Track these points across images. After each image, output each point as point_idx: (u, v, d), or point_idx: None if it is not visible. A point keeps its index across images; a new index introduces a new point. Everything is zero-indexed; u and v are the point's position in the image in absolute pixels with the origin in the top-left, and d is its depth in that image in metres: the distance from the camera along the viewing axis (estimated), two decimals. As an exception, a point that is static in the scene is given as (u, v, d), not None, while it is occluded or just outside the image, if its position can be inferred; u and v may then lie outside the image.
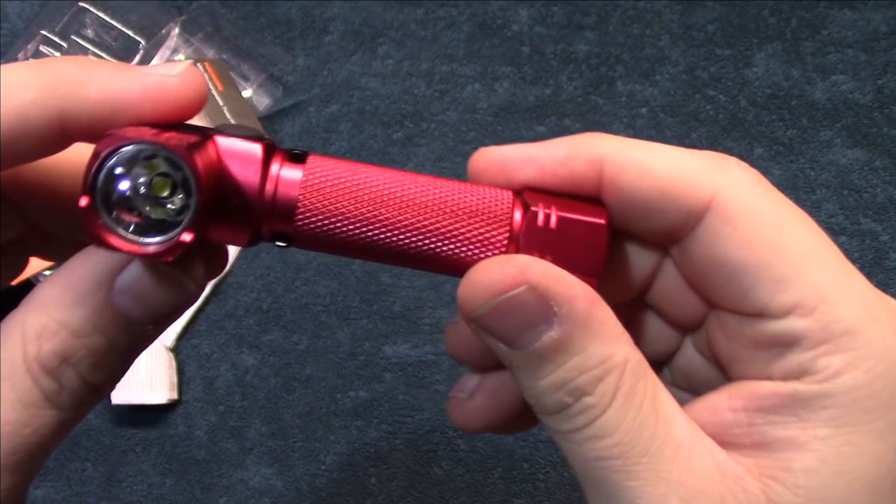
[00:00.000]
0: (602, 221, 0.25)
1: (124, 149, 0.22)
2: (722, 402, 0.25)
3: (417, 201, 0.25)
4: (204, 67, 0.66)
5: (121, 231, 0.22)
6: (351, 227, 0.25)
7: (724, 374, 0.27)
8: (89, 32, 0.68)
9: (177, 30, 0.68)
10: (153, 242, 0.22)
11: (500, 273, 0.24)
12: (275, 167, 0.25)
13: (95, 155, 0.21)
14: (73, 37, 0.67)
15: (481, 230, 0.25)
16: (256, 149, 0.25)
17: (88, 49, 0.67)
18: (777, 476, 0.23)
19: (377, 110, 0.68)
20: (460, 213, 0.25)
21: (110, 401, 0.57)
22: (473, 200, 0.25)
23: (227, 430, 0.58)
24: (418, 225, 0.25)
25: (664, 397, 0.24)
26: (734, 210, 0.25)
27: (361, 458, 0.58)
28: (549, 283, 0.23)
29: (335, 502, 0.57)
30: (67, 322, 0.23)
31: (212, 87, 0.65)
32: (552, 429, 0.25)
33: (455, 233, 0.25)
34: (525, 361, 0.24)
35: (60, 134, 0.23)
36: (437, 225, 0.25)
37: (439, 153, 0.67)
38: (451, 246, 0.25)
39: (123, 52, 0.67)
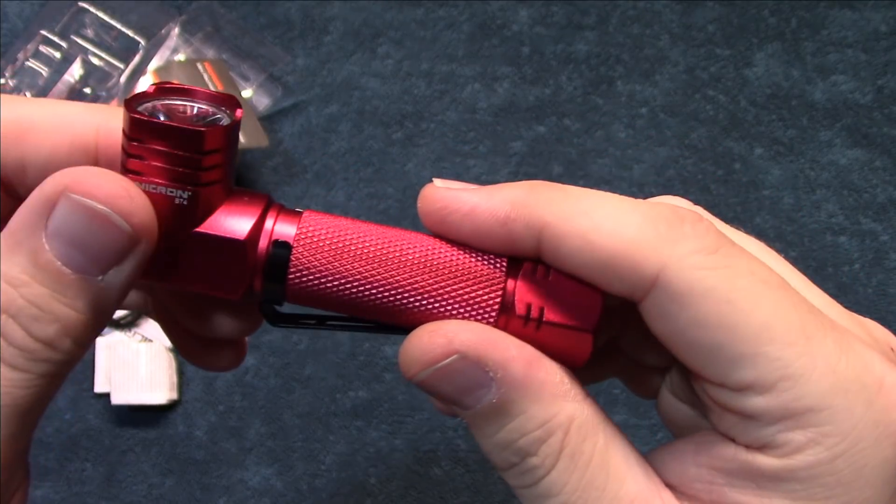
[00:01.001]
0: (589, 330, 0.25)
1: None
2: (688, 454, 0.25)
3: (412, 260, 0.25)
4: (204, 67, 0.66)
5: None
6: (344, 284, 0.25)
7: (701, 407, 0.27)
8: (89, 32, 0.68)
9: (177, 30, 0.68)
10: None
11: (430, 343, 0.24)
12: (269, 222, 0.25)
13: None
14: (72, 37, 0.67)
15: (472, 297, 0.25)
16: (257, 205, 0.25)
17: (88, 49, 0.67)
18: None
19: (377, 110, 0.68)
20: (450, 277, 0.25)
21: (110, 401, 0.57)
22: (466, 265, 0.25)
23: (226, 430, 0.58)
24: (412, 284, 0.25)
25: (618, 451, 0.24)
26: (681, 289, 0.23)
27: (361, 458, 0.58)
28: (481, 349, 0.23)
29: (335, 502, 0.57)
30: (6, 271, 0.22)
31: (212, 88, 0.65)
32: (507, 482, 0.25)
33: (448, 293, 0.25)
34: (472, 420, 0.24)
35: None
36: (432, 285, 0.25)
37: (439, 153, 0.67)
38: (442, 305, 0.25)
39: (123, 52, 0.67)
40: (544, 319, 0.25)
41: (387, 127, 0.68)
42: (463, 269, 0.25)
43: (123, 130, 0.24)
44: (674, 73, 0.70)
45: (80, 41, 0.67)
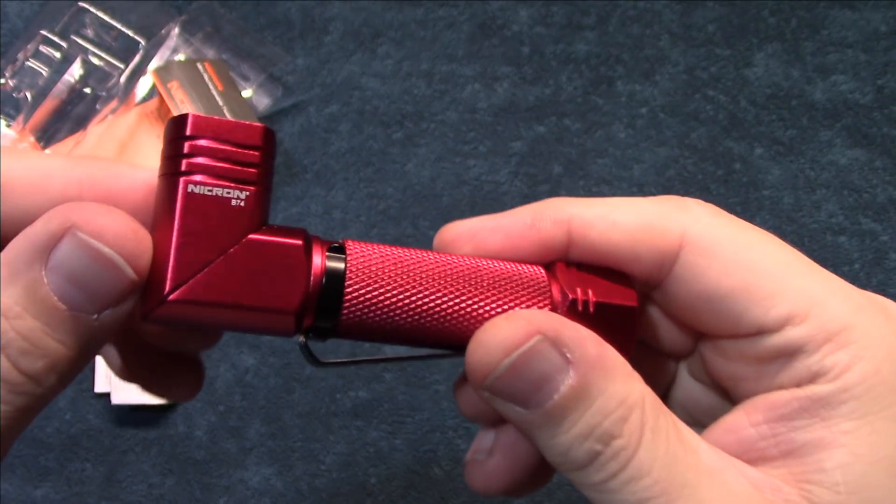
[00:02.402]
0: (634, 304, 0.26)
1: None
2: (741, 420, 0.25)
3: (462, 276, 0.25)
4: (204, 67, 0.66)
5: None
6: (399, 309, 0.25)
7: (729, 395, 0.27)
8: (89, 32, 0.68)
9: (177, 30, 0.68)
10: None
11: (512, 328, 0.23)
12: (316, 256, 0.24)
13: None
14: (72, 37, 0.67)
15: (523, 304, 0.25)
16: (297, 243, 0.24)
17: (88, 49, 0.67)
18: (813, 479, 0.23)
19: (377, 110, 0.68)
20: (501, 287, 0.25)
21: (110, 401, 0.57)
22: (510, 274, 0.26)
23: (226, 430, 0.58)
24: (465, 299, 0.25)
25: (684, 428, 0.24)
26: (707, 243, 0.25)
27: (361, 458, 0.58)
28: (558, 328, 0.23)
29: (335, 502, 0.57)
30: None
31: (212, 88, 0.65)
32: (584, 483, 0.24)
33: (498, 309, 0.25)
34: (546, 418, 0.23)
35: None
36: (484, 296, 0.25)
37: (439, 153, 0.67)
38: (497, 313, 0.25)
39: (123, 52, 0.67)
40: (592, 308, 0.25)
41: (387, 127, 0.68)
42: (508, 276, 0.26)
43: (171, 135, 0.23)
44: (674, 73, 0.70)
45: (80, 41, 0.67)
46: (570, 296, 0.25)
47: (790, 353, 0.24)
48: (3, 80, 0.65)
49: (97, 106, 0.66)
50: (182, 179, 0.23)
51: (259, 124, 0.24)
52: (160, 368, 0.30)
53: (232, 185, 0.23)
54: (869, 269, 0.64)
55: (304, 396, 0.59)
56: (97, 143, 0.64)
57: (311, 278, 0.24)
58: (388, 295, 0.25)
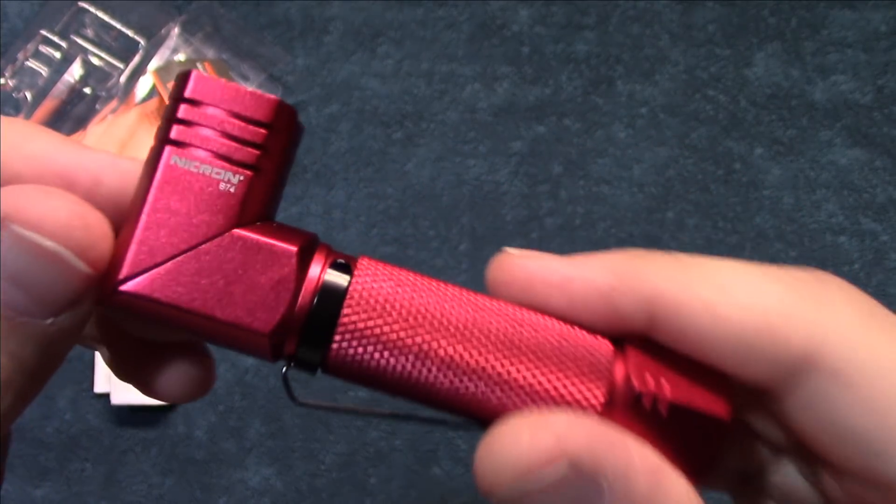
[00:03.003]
0: (723, 417, 0.20)
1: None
2: None
3: (495, 334, 0.20)
4: (204, 67, 0.66)
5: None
6: (406, 358, 0.20)
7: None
8: (89, 32, 0.68)
9: (177, 30, 0.68)
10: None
11: (533, 445, 0.17)
12: (315, 268, 0.20)
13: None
14: (72, 37, 0.67)
15: (569, 387, 0.20)
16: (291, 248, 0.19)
17: (88, 49, 0.67)
18: None
19: (377, 110, 0.68)
20: (545, 356, 0.20)
21: (110, 401, 0.57)
22: (563, 340, 0.20)
23: (226, 430, 0.58)
24: (493, 365, 0.20)
25: None
26: (847, 364, 0.18)
27: (361, 458, 0.58)
28: (600, 454, 0.17)
29: (335, 502, 0.57)
30: None
31: (212, 87, 0.65)
32: None
33: (535, 384, 0.20)
34: None
35: None
36: (518, 368, 0.20)
37: (439, 153, 0.67)
38: (531, 394, 0.20)
39: (123, 52, 0.67)
40: (662, 409, 0.19)
41: (387, 127, 0.68)
42: (559, 342, 0.20)
43: (172, 94, 0.20)
44: (674, 73, 0.70)
45: (80, 41, 0.67)
46: (637, 389, 0.19)
47: None
48: (3, 80, 0.65)
49: (97, 106, 0.66)
50: (167, 148, 0.19)
51: (273, 96, 0.20)
52: (155, 363, 0.24)
53: (224, 164, 0.19)
54: (869, 269, 0.64)
55: (304, 396, 0.59)
56: (97, 143, 0.64)
57: (301, 294, 0.19)
58: (395, 336, 0.19)
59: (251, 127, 0.19)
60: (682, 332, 0.19)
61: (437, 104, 0.69)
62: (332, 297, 0.19)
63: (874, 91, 0.70)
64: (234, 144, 0.19)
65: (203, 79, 0.19)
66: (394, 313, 0.19)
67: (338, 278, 0.20)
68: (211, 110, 0.19)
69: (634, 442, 0.18)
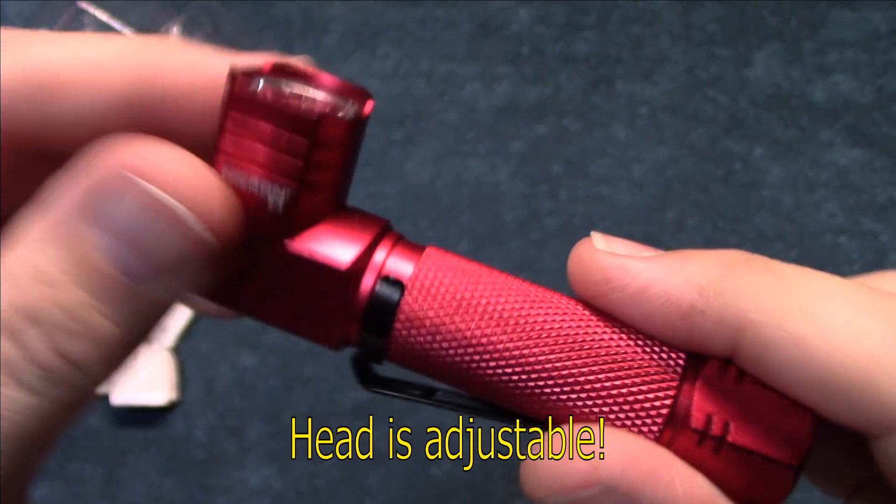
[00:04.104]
0: (792, 463, 0.18)
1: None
2: None
3: (558, 334, 0.19)
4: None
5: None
6: (466, 351, 0.19)
7: None
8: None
9: (176, 30, 0.68)
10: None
11: (567, 467, 0.18)
12: (380, 254, 0.20)
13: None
14: (72, 37, 0.67)
15: (629, 402, 0.19)
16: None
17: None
18: None
19: (377, 110, 0.68)
20: (605, 367, 0.19)
21: (110, 401, 0.57)
22: (629, 353, 0.19)
23: (226, 431, 0.58)
24: (555, 366, 0.19)
25: None
26: None
27: (361, 459, 0.58)
28: (636, 481, 0.17)
29: (335, 502, 0.57)
30: (37, 263, 0.16)
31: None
32: None
33: (600, 387, 0.19)
34: None
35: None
36: (581, 371, 0.19)
37: (439, 153, 0.67)
38: (589, 401, 0.19)
39: (123, 52, 0.67)
40: (729, 440, 0.18)
41: (387, 127, 0.68)
42: (624, 357, 0.19)
43: (222, 100, 0.19)
44: (674, 73, 0.70)
45: (79, 41, 0.67)
46: (695, 425, 0.18)
47: None
48: (2, 80, 0.65)
49: (97, 106, 0.66)
50: (220, 157, 0.19)
51: (313, 113, 0.18)
52: None
53: (271, 178, 0.19)
54: (869, 270, 0.64)
55: (304, 396, 0.59)
56: (97, 143, 0.64)
57: (362, 285, 0.20)
58: (456, 328, 0.19)
59: (297, 145, 0.18)
60: (768, 367, 0.18)
61: (437, 104, 0.69)
62: (392, 286, 0.20)
63: (874, 91, 0.70)
64: (282, 157, 0.18)
65: (245, 97, 0.18)
66: (453, 304, 0.19)
67: (401, 265, 0.20)
68: (258, 123, 0.18)
69: (682, 468, 0.18)
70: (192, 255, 0.17)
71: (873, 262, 0.64)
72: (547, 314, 0.20)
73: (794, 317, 0.17)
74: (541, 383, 0.19)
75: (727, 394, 0.18)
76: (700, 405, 0.18)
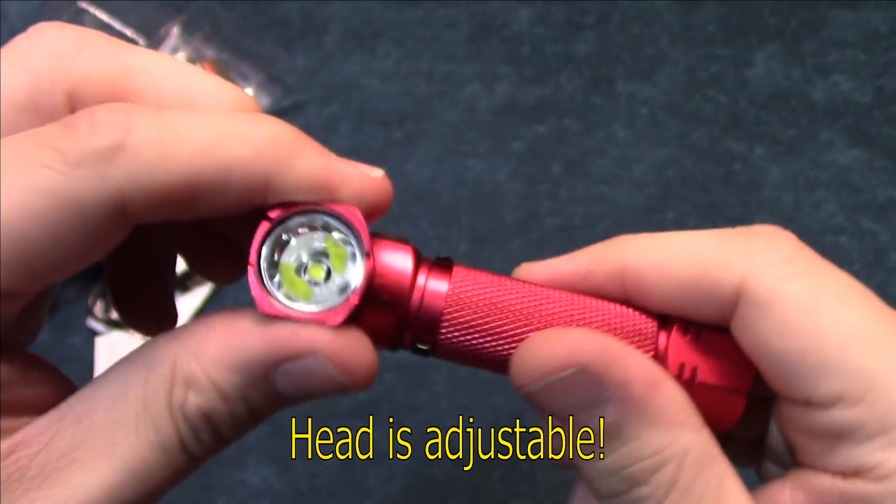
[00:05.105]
0: (742, 389, 0.24)
1: (297, 217, 0.24)
2: (785, 494, 0.24)
3: (561, 315, 0.25)
4: (203, 67, 0.66)
5: (282, 298, 0.24)
6: (495, 341, 0.25)
7: (793, 457, 0.25)
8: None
9: (177, 30, 0.68)
10: (316, 309, 0.23)
11: (549, 352, 0.23)
12: (421, 278, 0.25)
13: (268, 221, 0.23)
14: (72, 37, 0.67)
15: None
16: (408, 257, 0.25)
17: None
18: None
19: (377, 110, 0.68)
20: (599, 326, 0.25)
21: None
22: (615, 318, 0.25)
23: (226, 431, 0.58)
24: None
25: (732, 490, 0.22)
26: (763, 296, 0.23)
27: (361, 459, 0.58)
28: (603, 364, 0.22)
29: (335, 502, 0.57)
30: (219, 385, 0.22)
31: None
32: None
33: None
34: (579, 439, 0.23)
35: (256, 198, 0.22)
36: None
37: (439, 153, 0.67)
38: None
39: (123, 52, 0.67)
40: (697, 381, 0.24)
41: (386, 127, 0.68)
42: (610, 324, 0.25)
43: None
44: (674, 73, 0.70)
45: (79, 41, 0.67)
46: (670, 370, 0.24)
47: (837, 436, 0.22)
48: (2, 80, 0.65)
49: (97, 106, 0.66)
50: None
51: (336, 318, 0.23)
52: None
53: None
54: (869, 269, 0.64)
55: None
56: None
57: (412, 301, 0.25)
58: (485, 326, 0.25)
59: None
60: (646, 293, 0.24)
61: (437, 104, 0.69)
62: (436, 298, 0.25)
63: (874, 91, 0.70)
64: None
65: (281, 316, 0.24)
66: (483, 308, 0.25)
67: (440, 282, 0.25)
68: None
69: (639, 356, 0.23)
70: (332, 392, 0.23)
71: (873, 261, 0.64)
72: (550, 303, 0.25)
73: (653, 252, 0.25)
74: None
75: (691, 344, 0.25)
76: (674, 355, 0.25)
